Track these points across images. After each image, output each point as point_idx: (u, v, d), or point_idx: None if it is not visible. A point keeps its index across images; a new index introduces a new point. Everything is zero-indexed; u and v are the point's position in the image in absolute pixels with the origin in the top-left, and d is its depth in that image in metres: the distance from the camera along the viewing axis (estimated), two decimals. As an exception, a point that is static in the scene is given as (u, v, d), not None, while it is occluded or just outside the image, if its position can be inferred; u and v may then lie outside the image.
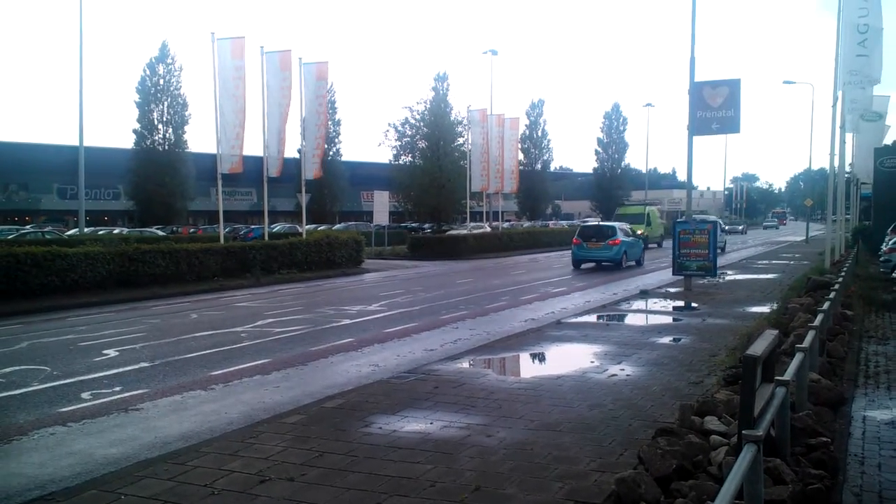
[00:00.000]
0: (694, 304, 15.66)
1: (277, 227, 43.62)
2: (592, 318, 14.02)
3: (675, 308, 15.38)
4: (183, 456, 6.01)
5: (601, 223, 32.70)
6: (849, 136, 25.74)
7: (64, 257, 17.94)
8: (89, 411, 7.67)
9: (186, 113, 48.87)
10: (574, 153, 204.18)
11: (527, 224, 60.80)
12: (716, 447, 5.20)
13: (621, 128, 76.26)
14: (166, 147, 48.17)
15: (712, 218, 41.76)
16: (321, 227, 42.05)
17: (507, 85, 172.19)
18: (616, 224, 29.09)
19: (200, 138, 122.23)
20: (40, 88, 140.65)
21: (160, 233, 39.31)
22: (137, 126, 48.14)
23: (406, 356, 10.45)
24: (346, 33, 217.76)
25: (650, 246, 38.49)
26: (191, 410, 7.77)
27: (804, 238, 48.84)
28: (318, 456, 5.93)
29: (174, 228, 44.70)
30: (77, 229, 35.14)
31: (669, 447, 5.04)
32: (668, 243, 37.66)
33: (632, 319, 14.19)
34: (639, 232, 35.66)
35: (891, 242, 21.51)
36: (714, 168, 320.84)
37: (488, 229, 42.96)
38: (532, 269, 27.83)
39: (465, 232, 39.97)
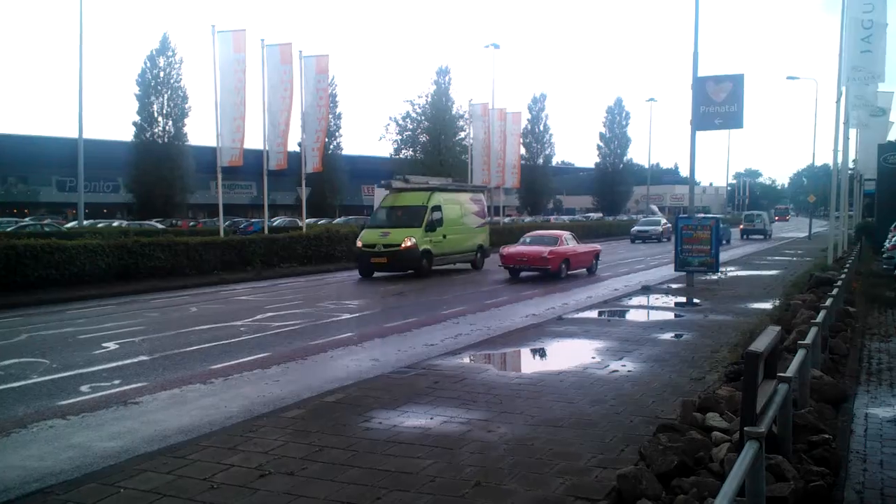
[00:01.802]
0: (696, 301, 15.63)
1: (277, 221, 43.63)
2: (594, 313, 13.99)
3: (676, 304, 15.35)
4: (182, 450, 5.98)
5: (706, 215, 41.08)
6: (852, 133, 25.68)
7: (63, 250, 17.91)
8: (88, 404, 7.64)
9: (186, 106, 48.93)
10: (576, 148, 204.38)
11: (528, 219, 60.79)
12: (717, 444, 5.17)
13: (624, 122, 76.25)
14: (166, 140, 48.18)
15: (763, 213, 51.86)
16: (321, 221, 42.07)
17: (509, 79, 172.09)
18: (719, 216, 33.90)
19: (200, 131, 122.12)
20: (40, 80, 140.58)
21: (159, 226, 39.35)
22: (137, 118, 48.19)
23: (406, 351, 10.43)
24: (348, 26, 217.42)
25: (441, 266, 22.46)
26: (190, 404, 7.75)
27: (807, 234, 48.83)
28: (318, 450, 5.91)
29: (173, 221, 44.75)
30: (76, 222, 35.14)
31: (671, 443, 5.01)
32: (494, 266, 22.42)
33: (633, 315, 14.16)
34: (405, 243, 20.84)
35: (894, 239, 21.50)
36: (717, 164, 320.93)
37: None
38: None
39: None
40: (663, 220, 45.90)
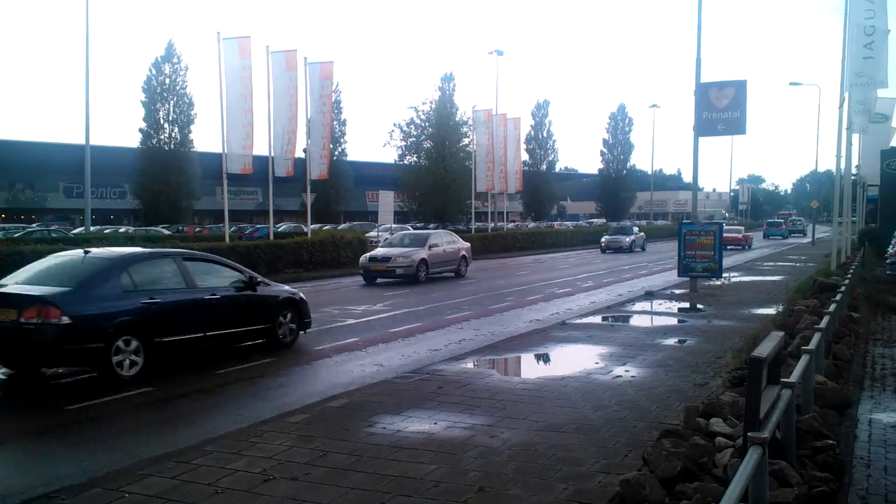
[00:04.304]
0: (699, 306, 15.61)
1: (283, 227, 43.67)
2: (597, 319, 13.99)
3: (680, 309, 15.33)
4: (187, 454, 6.01)
5: (776, 219, 62.82)
6: (855, 138, 25.56)
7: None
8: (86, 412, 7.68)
9: (192, 112, 49.06)
10: (579, 154, 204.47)
11: (532, 225, 60.79)
12: (721, 449, 5.17)
13: (627, 129, 76.19)
14: (172, 146, 48.33)
15: (802, 218, 68.62)
16: (326, 227, 42.11)
17: (513, 85, 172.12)
18: (780, 220, 52.95)
19: (206, 137, 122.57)
20: (47, 87, 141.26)
21: (165, 232, 39.41)
22: (143, 125, 48.34)
23: (410, 356, 10.44)
24: (352, 33, 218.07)
25: None
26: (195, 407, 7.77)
27: (810, 240, 48.78)
28: (322, 455, 5.93)
29: (179, 227, 44.81)
30: (83, 228, 35.25)
31: (674, 449, 5.02)
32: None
33: (637, 321, 14.16)
34: None
35: (897, 245, 21.40)
36: (720, 170, 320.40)
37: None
38: (536, 269, 27.81)
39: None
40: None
